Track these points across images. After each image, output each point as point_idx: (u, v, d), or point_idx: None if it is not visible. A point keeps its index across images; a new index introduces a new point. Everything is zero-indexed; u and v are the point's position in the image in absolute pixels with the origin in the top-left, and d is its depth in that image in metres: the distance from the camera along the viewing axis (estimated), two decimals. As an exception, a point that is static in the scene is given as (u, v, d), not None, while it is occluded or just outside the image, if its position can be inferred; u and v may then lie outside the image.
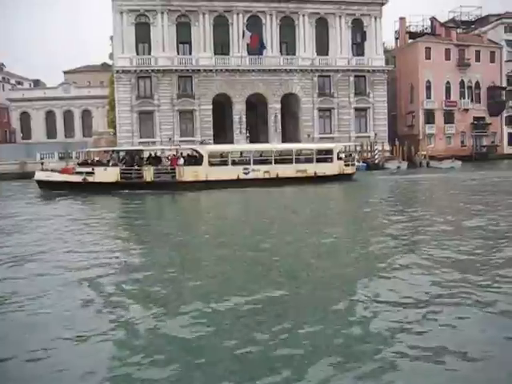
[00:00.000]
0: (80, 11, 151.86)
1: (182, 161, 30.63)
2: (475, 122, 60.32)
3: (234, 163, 31.37)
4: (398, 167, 46.83)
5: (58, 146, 50.92)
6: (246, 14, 51.02)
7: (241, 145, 41.82)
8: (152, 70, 49.23)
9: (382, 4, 54.18)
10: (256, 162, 31.61)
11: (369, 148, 50.19)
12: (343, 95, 52.78)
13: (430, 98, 58.24)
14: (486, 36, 61.98)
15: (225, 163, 31.28)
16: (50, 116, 69.31)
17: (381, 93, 53.83)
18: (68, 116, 69.70)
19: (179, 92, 49.88)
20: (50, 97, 68.25)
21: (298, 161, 32.32)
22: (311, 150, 33.83)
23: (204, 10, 50.21)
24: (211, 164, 30.73)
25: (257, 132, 52.39)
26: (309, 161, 32.41)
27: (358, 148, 47.53)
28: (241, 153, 33.98)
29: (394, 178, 37.06)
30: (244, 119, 50.54)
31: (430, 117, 58.12)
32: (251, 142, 48.05)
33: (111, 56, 56.66)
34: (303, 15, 52.43)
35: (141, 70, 49.04)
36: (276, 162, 31.78)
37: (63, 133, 68.95)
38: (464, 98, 59.85)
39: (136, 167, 29.66)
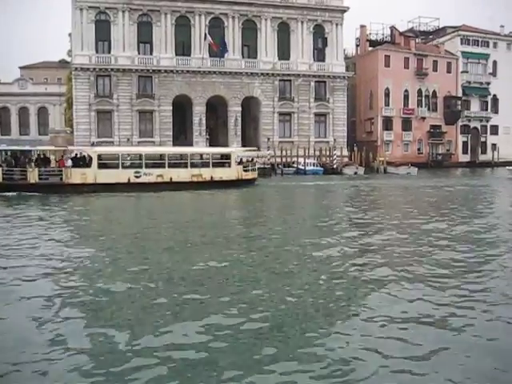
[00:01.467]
0: (38, 6, 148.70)
1: (69, 162, 29.63)
2: (432, 130, 62.37)
3: (124, 166, 30.54)
4: (355, 173, 47.97)
5: (12, 143, 49.95)
6: (208, 16, 51.41)
7: (134, 147, 41.43)
8: (112, 69, 48.97)
9: (344, 11, 55.48)
10: (149, 166, 30.91)
11: (328, 153, 51.25)
12: (303, 100, 53.75)
13: (388, 105, 59.91)
14: (443, 47, 64.23)
15: (115, 166, 30.26)
16: (3, 112, 67.89)
17: (340, 99, 55.09)
18: (23, 113, 68.43)
19: (139, 92, 49.79)
20: (4, 92, 66.83)
21: (193, 165, 31.97)
22: (207, 154, 33.59)
23: (166, 10, 50.31)
24: (100, 166, 29.66)
25: (217, 134, 52.85)
26: (205, 165, 32.09)
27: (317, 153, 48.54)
28: (139, 156, 32.18)
29: (306, 184, 37.10)
30: (204, 121, 50.83)
31: (388, 124, 59.82)
32: (211, 144, 48.66)
33: (70, 53, 56.12)
34: (265, 19, 53.14)
35: (100, 69, 48.74)
36: (170, 165, 31.10)
37: (18, 130, 67.61)
38: (421, 107, 61.86)
39: (19, 168, 28.28)
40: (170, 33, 50.69)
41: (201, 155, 34.33)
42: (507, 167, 46.25)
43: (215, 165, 32.14)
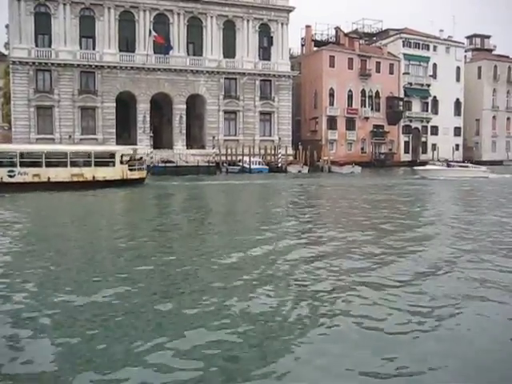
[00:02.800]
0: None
1: None
2: (375, 130, 64.37)
3: None
4: (300, 171, 49.06)
5: None
6: (153, 12, 51.27)
7: (5, 144, 38.18)
8: (52, 64, 48.09)
9: (289, 11, 56.50)
10: (24, 164, 29.23)
11: (273, 152, 52.12)
12: (249, 98, 54.42)
13: (333, 104, 61.42)
14: (386, 49, 66.35)
15: None
16: None
17: (286, 98, 56.11)
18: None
19: (81, 88, 49.11)
20: None
21: (74, 164, 30.45)
22: (89, 152, 31.83)
23: (109, 5, 49.82)
24: None
25: (161, 133, 52.88)
26: (87, 164, 30.69)
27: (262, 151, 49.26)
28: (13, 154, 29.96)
29: (200, 184, 36.49)
30: (148, 119, 50.68)
31: (332, 123, 61.33)
32: (155, 142, 48.53)
33: (7, 46, 54.60)
34: (211, 17, 53.43)
35: (40, 63, 47.77)
36: (48, 164, 29.48)
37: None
38: (365, 107, 63.74)
39: None
40: (114, 28, 50.21)
41: (83, 154, 32.21)
42: (416, 167, 47.46)
43: (98, 164, 30.64)
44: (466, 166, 45.75)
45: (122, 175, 31.14)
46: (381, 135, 64.91)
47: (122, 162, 31.89)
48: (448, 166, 44.74)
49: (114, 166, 31.04)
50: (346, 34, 65.15)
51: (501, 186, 34.51)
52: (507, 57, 79.13)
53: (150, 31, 49.98)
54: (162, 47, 50.44)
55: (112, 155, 31.51)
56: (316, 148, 56.67)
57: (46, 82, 48.42)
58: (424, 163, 64.52)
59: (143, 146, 42.54)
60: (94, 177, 29.96)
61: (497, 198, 26.08)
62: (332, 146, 60.60)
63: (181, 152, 49.92)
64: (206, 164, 45.15)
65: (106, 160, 31.25)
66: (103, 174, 30.33)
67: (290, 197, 27.31)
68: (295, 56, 65.45)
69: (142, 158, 36.07)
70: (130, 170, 31.87)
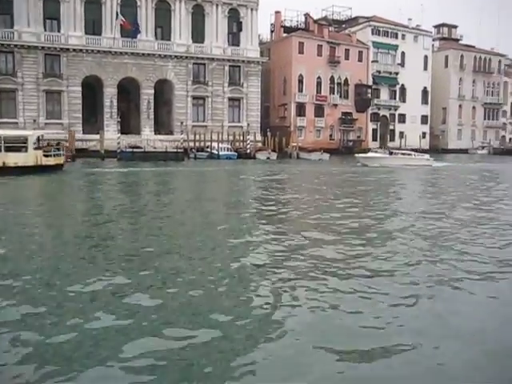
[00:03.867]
0: None
1: None
2: (343, 117, 65.33)
3: None
4: (268, 158, 49.49)
5: None
6: (120, -6, 50.68)
7: None
8: (15, 45, 47.25)
9: (259, -4, 56.58)
10: None
11: (241, 138, 52.43)
12: (217, 84, 54.57)
13: (301, 91, 62.02)
14: (355, 36, 67.15)
15: None
16: None
17: (254, 84, 56.47)
18: None
19: (46, 71, 48.50)
20: None
21: None
22: None
23: (74, -14, 49.02)
24: None
25: (129, 118, 52.67)
26: None
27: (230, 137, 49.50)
28: None
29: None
30: (115, 104, 50.39)
31: (301, 110, 62.02)
32: (122, 127, 48.20)
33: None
34: (180, 1, 53.20)
35: (2, 44, 46.81)
36: None
37: None
38: (333, 94, 64.57)
39: None
40: (80, 10, 49.53)
41: None
42: (357, 155, 46.13)
43: (8, 149, 28.42)
44: (409, 154, 45.02)
45: (36, 161, 28.87)
46: (349, 122, 65.88)
47: (39, 148, 30.24)
48: (390, 153, 44.10)
49: (26, 151, 28.99)
50: (315, 21, 65.63)
51: (436, 174, 34.70)
52: (473, 47, 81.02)
53: (117, 14, 49.52)
54: (130, 31, 50.03)
55: (25, 140, 29.49)
56: (285, 134, 57.17)
57: (9, 64, 47.64)
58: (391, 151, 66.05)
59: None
60: (4, 163, 27.75)
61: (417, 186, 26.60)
62: (300, 133, 61.28)
63: (148, 138, 49.82)
64: (174, 150, 45.15)
65: (17, 145, 29.15)
66: (15, 159, 28.15)
67: (255, 183, 27.64)
68: (264, 42, 65.75)
69: (59, 143, 34.38)
70: (46, 155, 29.76)
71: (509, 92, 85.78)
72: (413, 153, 46.39)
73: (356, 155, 46.00)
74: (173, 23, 53.19)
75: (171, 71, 52.73)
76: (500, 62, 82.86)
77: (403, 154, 45.16)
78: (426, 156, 45.39)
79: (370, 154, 44.86)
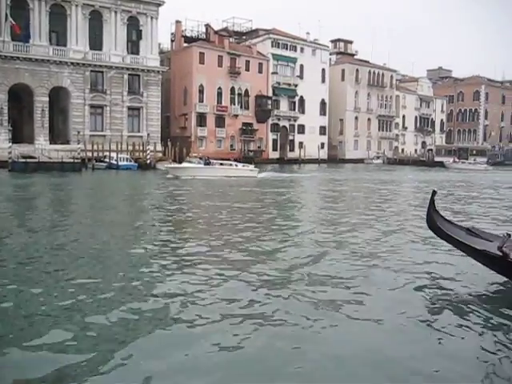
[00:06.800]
0: None
1: None
2: (244, 128, 67.94)
3: None
4: (168, 168, 50.27)
5: None
6: (11, -4, 49.78)
7: None
8: None
9: (159, 5, 57.82)
10: None
11: (141, 148, 53.13)
12: (116, 93, 54.96)
13: (202, 101, 63.86)
14: (255, 48, 70.12)
15: None
16: None
17: (155, 93, 57.47)
18: None
19: None
20: None
21: None
22: None
23: (-40, -14, 47.55)
24: None
25: (21, 126, 51.64)
26: None
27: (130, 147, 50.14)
28: None
29: None
30: (6, 111, 49.32)
31: (202, 120, 63.84)
32: (14, 136, 47.25)
33: None
34: (76, 5, 53.04)
35: None
36: None
37: None
38: (234, 104, 66.96)
39: None
40: (-35, 11, 48.03)
41: None
42: (168, 165, 43.77)
43: None
44: (230, 165, 42.83)
45: None
46: (250, 133, 68.56)
47: None
48: (206, 164, 40.71)
49: None
50: (216, 32, 67.75)
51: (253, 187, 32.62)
52: (367, 62, 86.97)
53: (6, 15, 48.46)
54: (21, 35, 49.19)
55: None
56: (185, 145, 58.64)
57: None
58: (293, 160, 69.48)
59: None
60: None
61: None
62: (201, 143, 63.12)
63: (43, 147, 49.20)
64: (71, 160, 44.99)
65: None
66: None
67: (153, 194, 28.46)
68: (165, 51, 67.00)
69: None
70: None
71: (400, 105, 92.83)
72: (234, 163, 44.52)
73: (166, 166, 43.85)
74: (69, 28, 52.94)
75: (67, 78, 52.42)
76: (392, 76, 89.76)
77: (222, 164, 42.69)
78: (251, 166, 43.46)
79: (184, 165, 41.47)
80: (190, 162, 42.00)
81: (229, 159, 50.27)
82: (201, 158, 42.49)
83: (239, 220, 17.02)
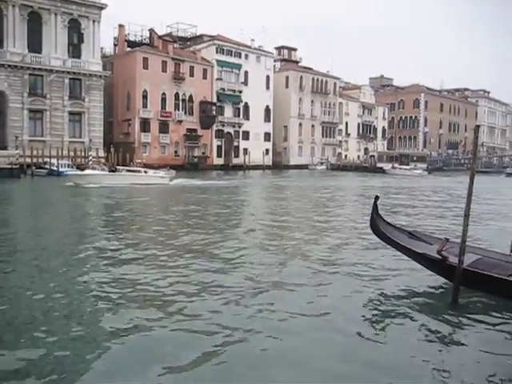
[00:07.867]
0: None
1: None
2: (188, 134, 68.18)
3: None
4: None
5: None
6: None
7: None
8: None
9: (101, 8, 57.46)
10: None
11: (83, 154, 52.43)
12: (57, 97, 54.15)
13: (146, 107, 63.70)
14: (199, 54, 70.55)
15: None
16: None
17: (97, 98, 56.93)
18: None
19: None
20: None
21: None
22: None
23: None
24: None
25: (-46, 130, 49.91)
26: None
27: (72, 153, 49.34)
28: None
29: None
30: None
31: (145, 126, 63.66)
32: None
33: None
34: (13, 5, 51.99)
35: None
36: None
37: None
38: (178, 110, 67.11)
39: None
40: None
41: None
42: (70, 172, 40.82)
43: None
44: (138, 171, 40.89)
45: None
46: (194, 139, 68.80)
47: None
48: (112, 170, 39.00)
49: None
50: (160, 37, 67.76)
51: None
52: (311, 69, 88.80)
53: None
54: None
55: None
56: (129, 151, 58.21)
57: None
58: (238, 167, 70.08)
59: None
60: None
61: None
62: (145, 149, 62.89)
63: (-22, 153, 47.84)
64: (9, 166, 43.92)
65: None
66: None
67: (95, 200, 28.33)
68: (108, 55, 66.45)
69: None
70: None
71: (344, 112, 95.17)
72: (142, 169, 42.32)
73: (69, 173, 41.03)
74: (5, 29, 51.80)
75: (4, 81, 51.22)
76: (335, 84, 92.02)
77: (130, 170, 40.99)
78: (161, 173, 42.20)
79: (87, 172, 39.26)
80: (93, 168, 40.46)
81: (166, 166, 50.23)
82: (105, 165, 41.28)
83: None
